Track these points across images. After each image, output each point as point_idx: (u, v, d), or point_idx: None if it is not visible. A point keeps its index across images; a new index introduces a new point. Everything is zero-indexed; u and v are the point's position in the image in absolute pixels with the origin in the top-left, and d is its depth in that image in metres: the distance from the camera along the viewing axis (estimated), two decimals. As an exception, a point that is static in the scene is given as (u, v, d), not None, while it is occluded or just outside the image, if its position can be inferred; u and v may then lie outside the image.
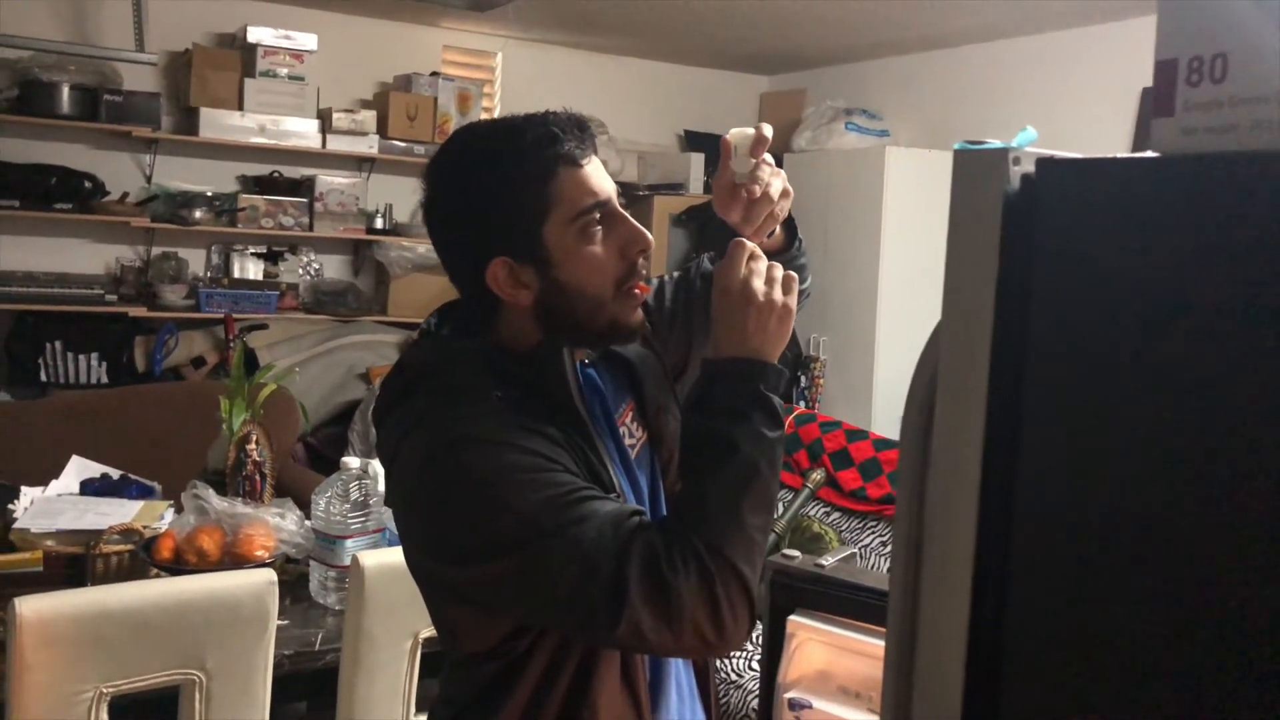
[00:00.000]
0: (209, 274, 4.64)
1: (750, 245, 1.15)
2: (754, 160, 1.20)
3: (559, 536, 1.02)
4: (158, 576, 2.09)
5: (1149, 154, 0.63)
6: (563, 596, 1.02)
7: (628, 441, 1.27)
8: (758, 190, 1.20)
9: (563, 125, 1.13)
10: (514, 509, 1.04)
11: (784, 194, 1.24)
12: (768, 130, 1.21)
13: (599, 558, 1.01)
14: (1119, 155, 0.64)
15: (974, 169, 0.68)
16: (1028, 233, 0.67)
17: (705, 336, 1.20)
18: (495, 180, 1.13)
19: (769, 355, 1.12)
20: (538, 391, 1.14)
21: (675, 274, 1.47)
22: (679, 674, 1.28)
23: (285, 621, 2.04)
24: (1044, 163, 0.67)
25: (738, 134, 1.20)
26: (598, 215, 1.13)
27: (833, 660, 1.40)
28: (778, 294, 1.13)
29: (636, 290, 1.17)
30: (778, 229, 1.32)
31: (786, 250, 1.35)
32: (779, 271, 1.15)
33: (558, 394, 1.14)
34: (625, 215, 1.16)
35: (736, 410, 1.08)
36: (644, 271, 1.18)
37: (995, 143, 0.67)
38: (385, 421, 1.20)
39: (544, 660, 1.14)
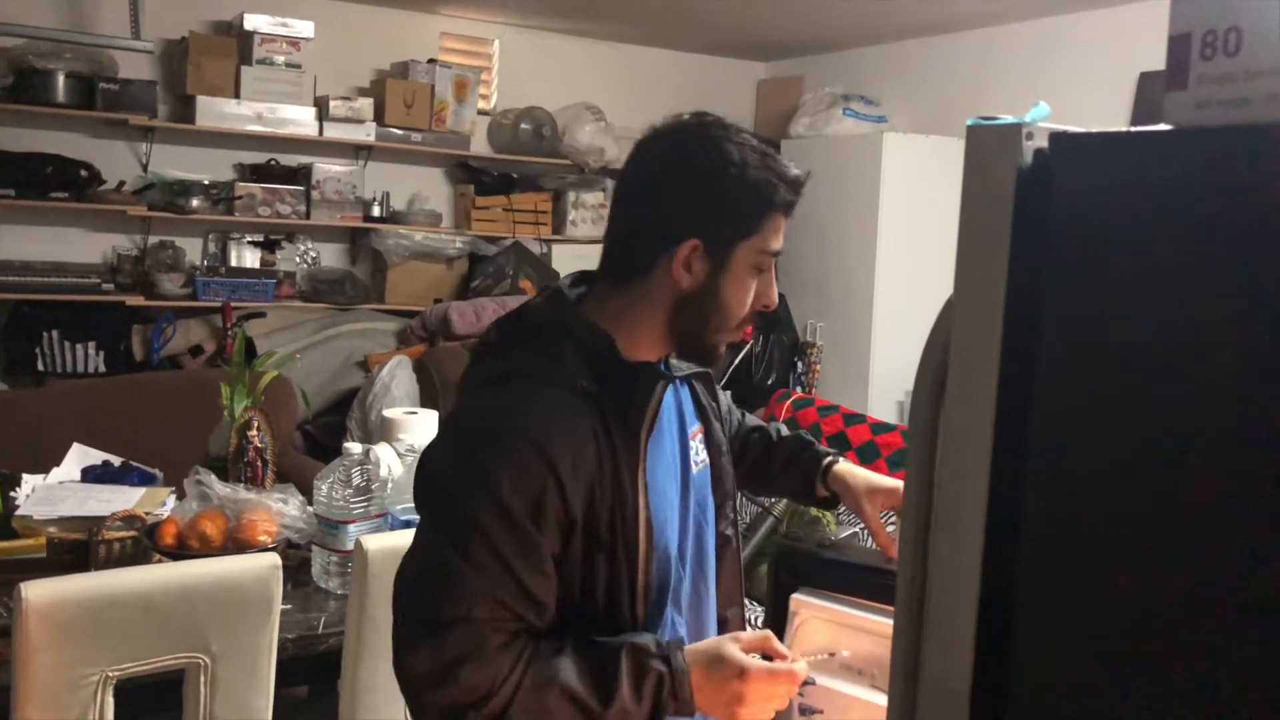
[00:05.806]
0: (206, 263, 4.63)
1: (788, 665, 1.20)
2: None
3: (462, 560, 1.10)
4: (160, 562, 2.09)
5: (1162, 127, 0.63)
6: (404, 585, 1.14)
7: (695, 458, 1.34)
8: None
9: (802, 182, 1.25)
10: (470, 511, 1.11)
11: None
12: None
13: (446, 607, 1.09)
14: (1132, 129, 0.64)
15: (987, 144, 0.69)
16: (1041, 206, 0.67)
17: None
18: (747, 180, 1.20)
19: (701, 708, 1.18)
20: (617, 399, 1.19)
21: (743, 415, 1.63)
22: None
23: (288, 606, 2.04)
24: (1057, 137, 0.67)
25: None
26: (771, 261, 1.25)
27: (836, 638, 1.40)
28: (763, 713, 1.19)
29: (746, 330, 1.30)
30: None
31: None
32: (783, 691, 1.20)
33: (632, 416, 1.19)
34: (773, 275, 1.29)
35: (635, 694, 1.13)
36: (755, 321, 1.31)
37: (1008, 118, 0.67)
38: (481, 360, 1.26)
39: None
